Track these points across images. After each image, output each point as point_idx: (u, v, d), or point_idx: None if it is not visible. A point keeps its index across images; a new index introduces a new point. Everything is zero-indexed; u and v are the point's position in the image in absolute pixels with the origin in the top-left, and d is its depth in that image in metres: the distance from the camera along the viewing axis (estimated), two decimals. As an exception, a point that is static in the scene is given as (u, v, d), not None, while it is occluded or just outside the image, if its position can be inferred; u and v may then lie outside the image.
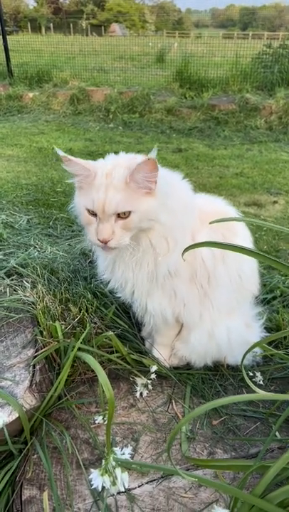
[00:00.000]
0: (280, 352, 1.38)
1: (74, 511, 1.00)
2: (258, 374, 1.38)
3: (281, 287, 1.83)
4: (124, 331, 1.46)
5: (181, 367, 1.42)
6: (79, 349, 1.21)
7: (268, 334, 1.47)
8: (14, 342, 1.31)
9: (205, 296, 1.25)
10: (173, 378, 1.37)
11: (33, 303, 1.44)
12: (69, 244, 2.10)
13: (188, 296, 1.24)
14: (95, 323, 1.41)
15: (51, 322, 1.32)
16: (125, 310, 1.51)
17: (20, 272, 1.67)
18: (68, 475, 1.07)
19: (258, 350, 1.42)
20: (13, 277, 1.62)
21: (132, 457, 1.10)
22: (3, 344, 1.30)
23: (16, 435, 1.14)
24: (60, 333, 1.29)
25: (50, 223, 2.53)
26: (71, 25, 19.95)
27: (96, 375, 1.21)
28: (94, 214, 1.07)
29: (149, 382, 1.33)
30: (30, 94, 6.47)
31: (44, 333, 1.32)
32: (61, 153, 1.04)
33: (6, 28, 7.86)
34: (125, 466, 0.97)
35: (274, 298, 1.78)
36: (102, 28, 23.27)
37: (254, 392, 0.90)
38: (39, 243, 2.04)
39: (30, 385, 1.18)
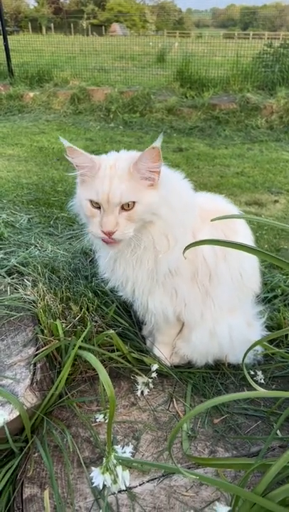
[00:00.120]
0: (281, 350, 1.38)
1: (75, 510, 1.00)
2: (259, 373, 1.37)
3: (282, 286, 1.82)
4: (125, 329, 1.46)
5: (182, 365, 1.42)
6: (80, 347, 1.22)
7: (269, 333, 1.46)
8: (15, 340, 1.31)
9: (206, 295, 1.25)
10: (174, 377, 1.37)
11: (34, 301, 1.44)
12: (70, 243, 2.10)
13: (189, 294, 1.24)
14: (96, 321, 1.41)
15: (52, 320, 1.32)
16: (126, 309, 1.51)
17: (21, 270, 1.67)
18: (69, 473, 1.07)
19: (259, 348, 1.42)
20: (14, 276, 1.62)
21: (133, 456, 1.10)
22: (4, 342, 1.30)
23: (17, 433, 1.14)
24: (60, 332, 1.29)
25: (51, 222, 2.53)
26: (72, 25, 19.91)
27: (97, 374, 1.21)
28: (97, 207, 1.07)
29: (150, 380, 1.33)
30: (31, 94, 6.48)
31: (45, 331, 1.32)
32: (66, 143, 1.05)
33: (7, 28, 7.89)
34: (126, 464, 0.97)
35: (275, 297, 1.78)
36: (103, 27, 23.25)
37: (255, 390, 0.90)
38: (40, 242, 2.04)
39: (31, 383, 1.17)
